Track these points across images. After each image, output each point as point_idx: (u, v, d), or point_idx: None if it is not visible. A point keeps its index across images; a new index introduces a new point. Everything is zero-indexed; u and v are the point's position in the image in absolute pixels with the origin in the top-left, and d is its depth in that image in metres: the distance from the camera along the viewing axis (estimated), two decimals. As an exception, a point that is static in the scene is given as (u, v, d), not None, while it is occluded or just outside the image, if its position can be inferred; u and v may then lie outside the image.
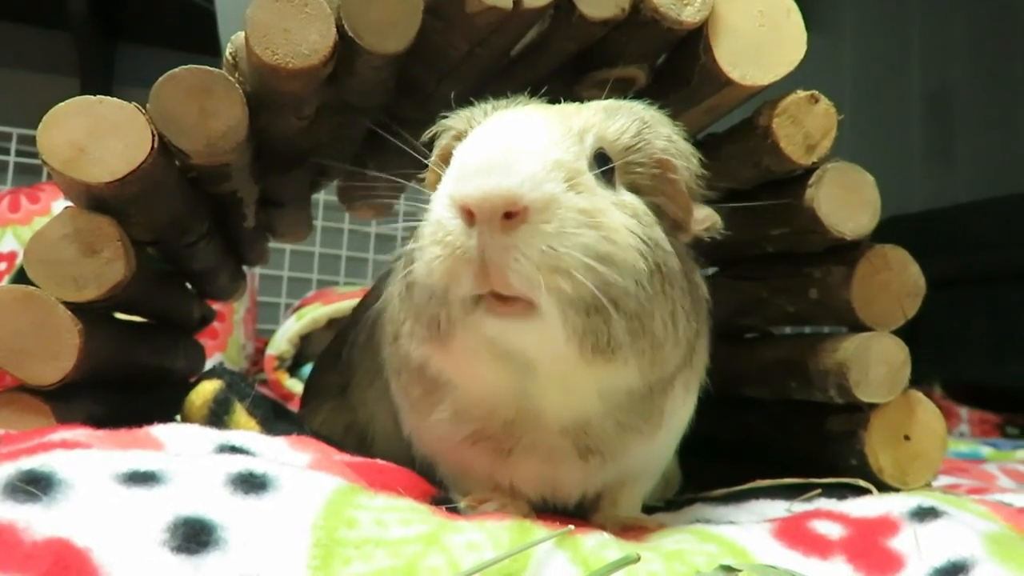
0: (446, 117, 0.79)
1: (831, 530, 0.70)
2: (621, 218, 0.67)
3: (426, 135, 0.79)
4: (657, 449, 0.81)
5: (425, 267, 0.65)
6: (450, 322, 0.66)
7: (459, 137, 0.75)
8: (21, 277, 0.80)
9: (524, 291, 0.62)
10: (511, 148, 0.63)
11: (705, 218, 0.77)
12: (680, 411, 0.81)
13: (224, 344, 2.37)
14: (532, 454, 0.73)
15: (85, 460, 0.57)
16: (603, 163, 0.70)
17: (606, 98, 0.77)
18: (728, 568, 0.58)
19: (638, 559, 0.58)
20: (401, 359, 0.79)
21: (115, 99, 0.79)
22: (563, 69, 0.98)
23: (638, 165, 0.73)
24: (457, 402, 0.74)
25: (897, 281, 0.95)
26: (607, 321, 0.64)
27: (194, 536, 0.52)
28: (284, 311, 2.87)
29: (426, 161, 0.78)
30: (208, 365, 1.31)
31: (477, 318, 0.64)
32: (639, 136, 0.73)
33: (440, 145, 0.78)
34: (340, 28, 0.79)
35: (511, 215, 0.61)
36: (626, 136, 0.73)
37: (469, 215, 0.61)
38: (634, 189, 0.73)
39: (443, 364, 0.71)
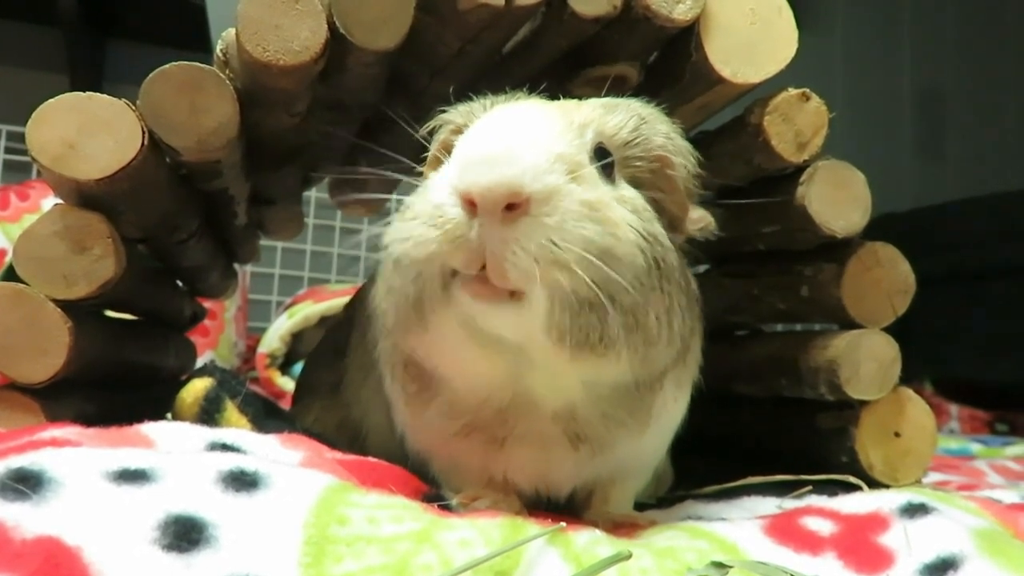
0: (444, 112, 0.78)
1: (822, 526, 0.71)
2: (622, 212, 0.66)
3: (424, 129, 0.79)
4: (647, 446, 0.81)
5: (414, 242, 0.64)
6: (428, 300, 0.65)
7: (458, 131, 0.74)
8: (10, 275, 0.80)
9: (520, 284, 0.61)
10: (514, 140, 0.63)
11: (700, 218, 0.77)
12: (672, 409, 0.80)
13: (215, 342, 2.36)
14: (525, 443, 0.73)
15: (75, 458, 0.57)
16: (602, 157, 0.70)
17: (602, 96, 0.77)
18: (719, 564, 0.58)
19: (629, 556, 0.58)
20: (394, 354, 0.79)
21: (105, 95, 0.78)
22: (555, 67, 0.98)
23: (637, 160, 0.73)
24: (452, 395, 0.74)
25: (888, 278, 0.96)
26: (602, 317, 0.63)
27: (185, 534, 0.52)
28: (275, 309, 2.86)
29: (423, 155, 0.78)
30: (199, 363, 1.31)
31: (453, 292, 0.63)
32: (637, 132, 0.73)
33: (439, 139, 0.78)
34: (331, 25, 0.79)
35: (513, 207, 0.60)
36: (625, 131, 0.73)
37: (472, 205, 0.61)
38: (633, 184, 0.72)
39: (426, 350, 0.71)
